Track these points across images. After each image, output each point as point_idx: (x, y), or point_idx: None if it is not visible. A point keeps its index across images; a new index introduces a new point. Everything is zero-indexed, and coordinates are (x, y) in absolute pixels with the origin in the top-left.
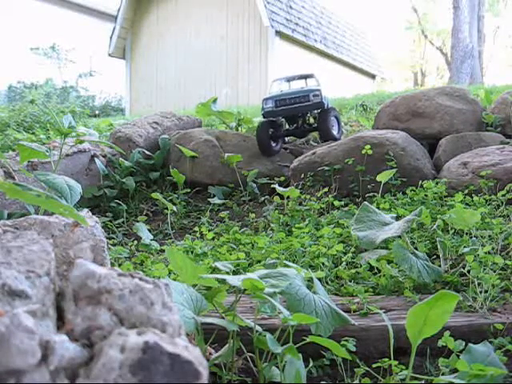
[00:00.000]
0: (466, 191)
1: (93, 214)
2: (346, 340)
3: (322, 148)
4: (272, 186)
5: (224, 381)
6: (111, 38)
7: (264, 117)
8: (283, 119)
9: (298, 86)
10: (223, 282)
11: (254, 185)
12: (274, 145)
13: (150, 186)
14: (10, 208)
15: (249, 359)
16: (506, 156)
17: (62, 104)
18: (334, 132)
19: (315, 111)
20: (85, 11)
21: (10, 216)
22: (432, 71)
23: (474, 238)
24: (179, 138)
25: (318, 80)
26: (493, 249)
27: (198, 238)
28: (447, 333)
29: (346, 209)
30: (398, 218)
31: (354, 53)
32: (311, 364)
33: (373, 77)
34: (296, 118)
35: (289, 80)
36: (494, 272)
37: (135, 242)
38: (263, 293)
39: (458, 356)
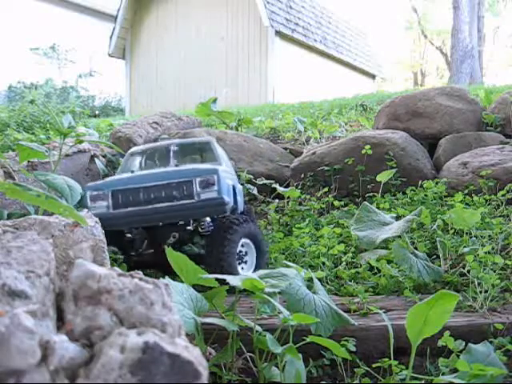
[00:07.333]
0: (466, 191)
1: None
2: (346, 340)
3: (321, 148)
4: (272, 185)
5: (224, 381)
6: (111, 38)
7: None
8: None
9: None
10: (223, 281)
11: (253, 187)
12: None
13: None
14: (10, 208)
15: (249, 359)
16: (506, 156)
17: (61, 104)
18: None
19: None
20: (85, 11)
21: (9, 216)
22: (432, 71)
23: (473, 238)
24: (179, 138)
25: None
26: (493, 249)
27: None
28: (447, 333)
29: (345, 209)
30: (397, 218)
31: (354, 53)
32: (311, 364)
33: (373, 77)
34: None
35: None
36: (494, 272)
37: None
38: (263, 293)
39: (457, 356)
